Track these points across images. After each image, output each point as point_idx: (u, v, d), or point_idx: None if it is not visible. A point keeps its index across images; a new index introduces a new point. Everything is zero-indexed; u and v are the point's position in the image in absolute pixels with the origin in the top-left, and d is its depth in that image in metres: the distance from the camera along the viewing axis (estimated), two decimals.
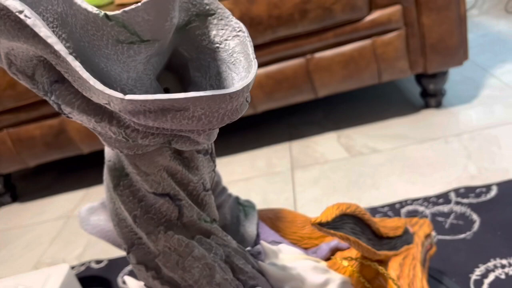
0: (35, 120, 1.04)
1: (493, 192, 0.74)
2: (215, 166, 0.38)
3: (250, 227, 0.48)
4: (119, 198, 0.32)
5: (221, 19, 0.29)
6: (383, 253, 0.44)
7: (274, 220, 0.51)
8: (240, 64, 0.27)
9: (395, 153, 0.94)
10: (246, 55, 0.27)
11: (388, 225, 0.47)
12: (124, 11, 0.24)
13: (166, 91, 0.31)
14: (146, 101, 0.22)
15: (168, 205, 0.32)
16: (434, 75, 1.03)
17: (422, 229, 0.53)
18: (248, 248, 0.44)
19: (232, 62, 0.28)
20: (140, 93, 0.27)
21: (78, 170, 1.32)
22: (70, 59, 0.22)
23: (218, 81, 0.29)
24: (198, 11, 0.29)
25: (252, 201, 0.52)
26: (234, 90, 0.23)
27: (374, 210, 0.77)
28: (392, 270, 0.46)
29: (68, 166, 1.37)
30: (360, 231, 0.42)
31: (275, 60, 0.99)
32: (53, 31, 0.25)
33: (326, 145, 1.06)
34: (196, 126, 0.24)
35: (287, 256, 0.43)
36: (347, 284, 0.43)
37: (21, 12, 0.21)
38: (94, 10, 0.24)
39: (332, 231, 0.39)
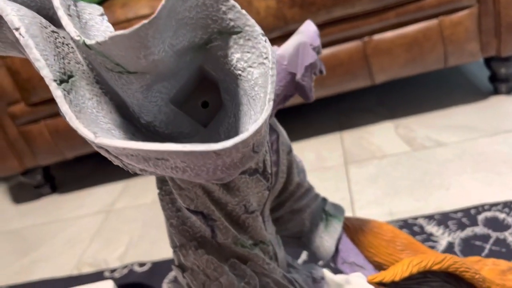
0: None
1: None
2: (269, 184, 0.32)
3: (329, 242, 0.42)
4: (160, 202, 0.31)
5: (248, 39, 0.24)
6: None
7: (368, 234, 0.43)
8: (259, 102, 0.23)
9: (464, 147, 0.84)
10: (265, 93, 0.23)
11: (508, 284, 0.38)
12: (98, 43, 0.21)
13: (205, 105, 0.26)
14: (117, 147, 0.20)
15: (201, 223, 0.30)
16: (507, 58, 0.91)
17: None
18: (311, 271, 0.37)
19: (253, 96, 0.24)
20: (147, 119, 0.25)
21: None
22: (53, 87, 0.21)
23: (239, 113, 0.25)
24: (220, 28, 0.24)
25: (342, 208, 0.45)
26: (220, 148, 0.19)
27: (445, 216, 0.69)
28: None
29: None
30: None
31: (328, 43, 0.90)
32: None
33: (383, 136, 0.96)
34: (183, 176, 0.21)
35: None
36: None
37: (17, 29, 0.21)
38: (75, 36, 0.22)
39: None
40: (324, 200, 0.44)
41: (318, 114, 1.15)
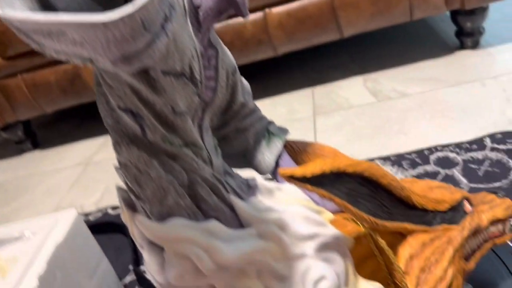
0: (49, 65, 1.01)
1: None
2: (198, 90, 0.35)
3: (269, 157, 0.45)
4: (97, 103, 0.32)
5: None
6: (393, 224, 0.36)
7: (310, 154, 0.46)
8: None
9: (426, 97, 0.87)
10: None
11: (430, 196, 0.40)
12: None
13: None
14: (19, 19, 0.20)
15: (130, 120, 0.31)
16: (472, 11, 0.94)
17: (492, 211, 0.42)
18: (247, 179, 0.40)
19: None
20: (62, 6, 0.25)
21: (99, 116, 1.30)
22: None
23: None
24: None
25: (286, 130, 0.48)
26: (106, 19, 0.20)
27: (400, 157, 0.72)
28: (408, 247, 0.38)
29: (89, 112, 1.35)
30: (369, 194, 0.35)
31: None
32: None
33: (351, 89, 0.99)
34: (83, 52, 0.22)
35: (285, 197, 0.38)
36: (341, 246, 0.37)
37: None
38: None
39: (309, 186, 0.31)
40: (270, 122, 0.48)
41: (292, 71, 1.18)
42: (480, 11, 0.94)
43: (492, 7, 1.14)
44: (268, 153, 0.45)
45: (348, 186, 0.34)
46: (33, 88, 1.03)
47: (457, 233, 0.39)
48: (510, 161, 0.65)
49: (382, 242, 0.38)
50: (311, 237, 0.36)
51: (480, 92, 0.84)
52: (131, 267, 0.68)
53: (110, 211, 0.83)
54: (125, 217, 0.36)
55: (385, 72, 1.01)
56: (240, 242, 0.34)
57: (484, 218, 0.42)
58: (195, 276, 0.33)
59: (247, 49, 0.96)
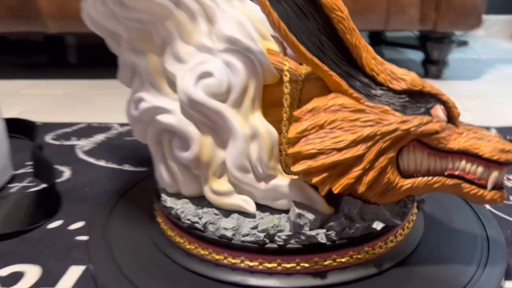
0: None
1: None
2: None
3: None
4: None
5: None
6: (312, 57, 0.28)
7: None
8: None
9: None
10: None
11: (394, 71, 0.30)
12: None
13: None
14: None
15: None
16: (440, 40, 0.97)
17: (477, 142, 0.30)
18: None
19: None
20: None
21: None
22: None
23: None
24: None
25: None
26: None
27: None
28: (320, 100, 0.30)
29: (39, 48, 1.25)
30: (301, 9, 0.28)
31: None
32: None
33: None
34: None
35: (241, 7, 0.33)
36: (255, 67, 0.32)
37: None
38: None
39: None
40: None
41: None
42: (447, 42, 0.97)
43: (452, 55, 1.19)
44: None
45: (295, 10, 0.28)
46: None
47: (396, 120, 0.28)
48: None
49: (285, 90, 0.32)
50: (229, 39, 0.31)
51: None
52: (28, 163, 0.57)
53: None
54: None
55: None
56: None
57: (457, 141, 0.30)
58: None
59: None
